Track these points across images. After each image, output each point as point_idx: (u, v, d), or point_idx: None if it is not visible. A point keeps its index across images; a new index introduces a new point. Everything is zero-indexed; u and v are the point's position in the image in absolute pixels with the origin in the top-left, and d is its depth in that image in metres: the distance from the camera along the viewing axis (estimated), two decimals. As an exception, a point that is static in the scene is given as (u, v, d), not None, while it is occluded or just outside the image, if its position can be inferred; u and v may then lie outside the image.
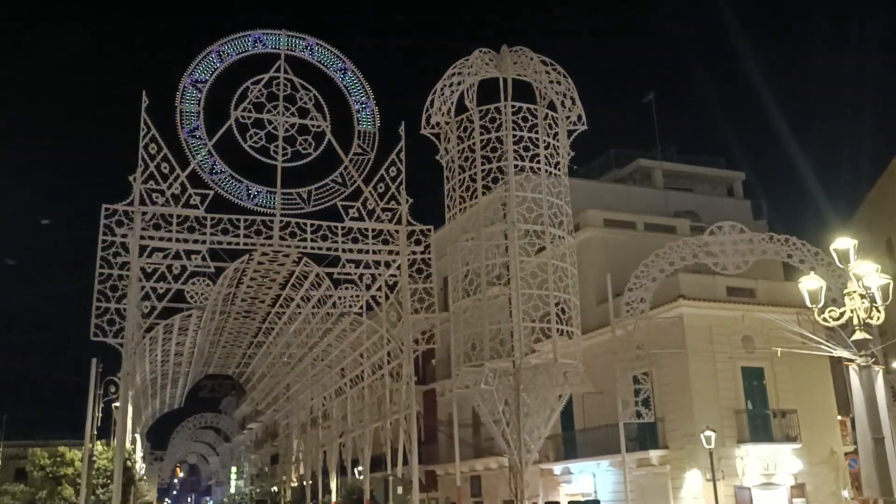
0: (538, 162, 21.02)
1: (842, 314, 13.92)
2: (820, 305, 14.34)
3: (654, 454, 28.13)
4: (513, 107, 21.18)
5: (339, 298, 26.23)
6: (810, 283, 14.51)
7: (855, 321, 13.49)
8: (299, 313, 29.68)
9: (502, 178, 20.98)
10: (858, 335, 13.44)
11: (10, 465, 50.94)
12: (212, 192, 21.57)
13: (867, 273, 13.56)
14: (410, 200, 23.72)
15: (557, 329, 20.23)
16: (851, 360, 13.88)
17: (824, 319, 14.26)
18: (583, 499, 29.64)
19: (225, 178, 21.85)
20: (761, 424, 27.93)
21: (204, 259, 21.60)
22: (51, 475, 31.61)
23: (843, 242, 14.04)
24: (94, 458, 28.58)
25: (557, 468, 32.66)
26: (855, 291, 13.59)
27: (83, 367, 23.18)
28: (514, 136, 20.97)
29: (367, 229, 23.15)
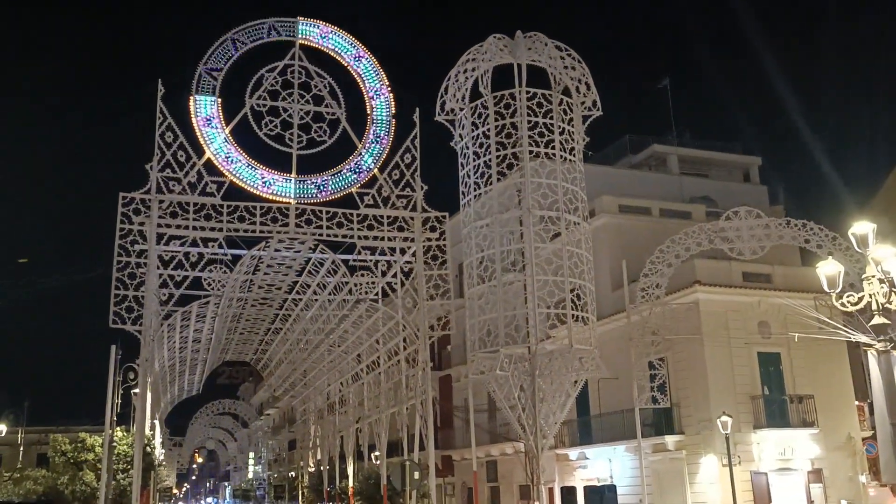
0: (553, 148, 20.96)
1: (860, 299, 13.88)
2: (838, 290, 14.30)
3: (670, 439, 28.14)
4: (527, 93, 21.10)
5: (355, 285, 26.34)
6: (828, 268, 14.46)
7: (874, 306, 13.44)
8: (316, 300, 29.82)
9: (517, 165, 20.94)
10: (877, 320, 13.39)
11: (32, 451, 51.65)
12: (228, 180, 21.69)
13: (886, 257, 13.47)
14: (425, 187, 23.75)
15: (573, 315, 20.23)
16: (870, 345, 13.83)
17: (842, 304, 14.22)
18: (599, 484, 29.70)
19: (241, 166, 21.96)
20: (778, 410, 27.86)
21: (220, 246, 21.76)
22: (72, 461, 31.99)
23: (861, 227, 13.96)
24: (114, 444, 28.92)
25: (573, 453, 32.75)
26: (874, 276, 13.52)
27: (103, 354, 23.42)
28: (529, 121, 20.90)
29: (382, 216, 23.21)
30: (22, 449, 49.49)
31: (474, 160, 21.38)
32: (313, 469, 53.21)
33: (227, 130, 22.09)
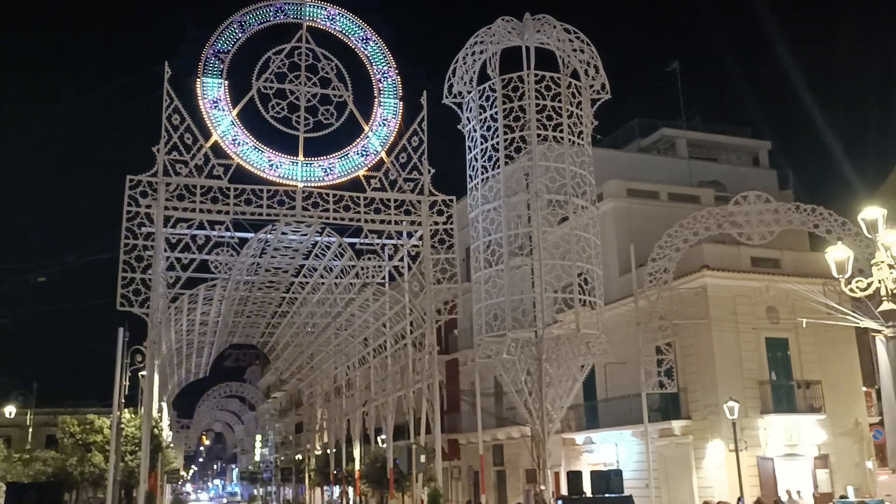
0: (561, 131, 20.86)
1: (869, 284, 13.80)
2: (847, 276, 14.22)
3: (677, 424, 28.12)
4: (536, 75, 20.99)
5: (362, 269, 26.32)
6: (837, 253, 14.38)
7: (883, 292, 13.36)
8: (322, 283, 29.82)
9: (525, 148, 20.86)
10: (886, 306, 13.32)
11: (41, 433, 52.02)
12: (235, 163, 21.65)
13: (896, 242, 13.39)
14: (432, 170, 23.67)
15: (580, 299, 20.20)
16: (878, 331, 13.77)
17: (851, 290, 14.15)
18: (605, 468, 29.73)
19: (247, 149, 21.92)
20: (785, 395, 27.81)
21: (227, 229, 21.74)
22: (80, 442, 32.19)
23: (871, 212, 13.88)
24: (123, 426, 29.05)
25: (580, 438, 32.78)
26: (883, 261, 13.44)
27: (111, 336, 23.48)
28: (537, 105, 20.80)
29: (389, 200, 23.15)
30: (31, 430, 49.81)
31: (482, 143, 21.29)
32: (320, 452, 53.44)
33: (233, 113, 22.04)
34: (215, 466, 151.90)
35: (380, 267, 26.63)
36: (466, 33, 21.79)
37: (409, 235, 24.81)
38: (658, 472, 28.22)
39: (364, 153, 23.09)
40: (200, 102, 21.74)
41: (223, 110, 21.91)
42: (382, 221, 23.15)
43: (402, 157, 23.33)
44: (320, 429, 53.30)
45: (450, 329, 40.71)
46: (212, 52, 22.17)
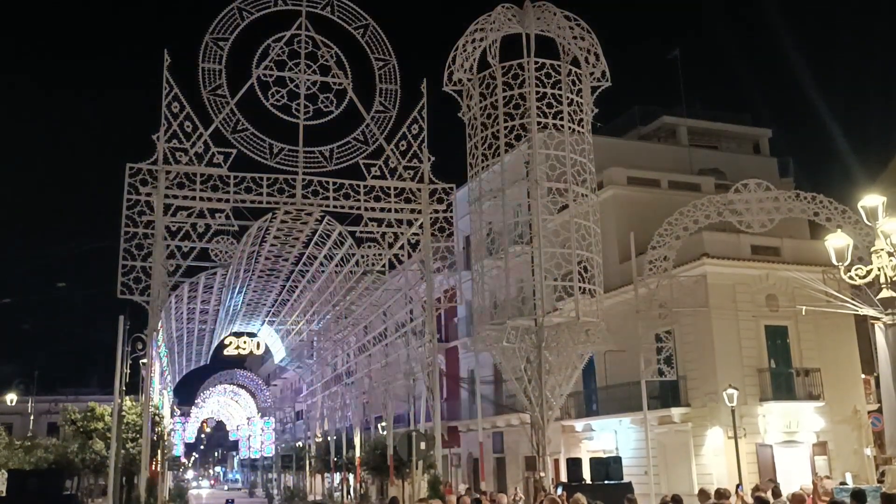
0: (561, 119, 20.82)
1: (868, 272, 13.84)
2: (846, 263, 14.25)
3: (676, 412, 28.23)
4: (536, 63, 20.93)
5: (362, 257, 26.32)
6: (837, 241, 14.41)
7: (882, 279, 13.40)
8: (322, 272, 29.84)
9: (525, 136, 20.83)
10: (885, 293, 13.36)
11: (43, 420, 52.29)
12: (235, 151, 21.61)
13: (895, 230, 13.40)
14: (432, 158, 23.62)
15: (580, 287, 20.21)
16: (878, 319, 13.81)
17: (850, 277, 14.19)
18: (604, 455, 29.85)
19: (248, 137, 21.87)
20: (784, 383, 27.91)
21: (227, 217, 21.70)
22: (82, 429, 32.28)
23: (871, 199, 13.89)
24: (124, 414, 29.14)
25: (579, 425, 32.90)
26: (883, 249, 13.46)
27: (112, 324, 23.53)
28: (537, 92, 20.75)
29: (389, 188, 23.11)
30: (32, 418, 50.03)
31: (482, 131, 21.26)
32: (320, 439, 53.61)
33: (233, 101, 21.99)
34: (216, 454, 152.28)
35: (380, 255, 26.63)
36: (467, 20, 21.71)
37: (409, 223, 24.80)
38: (657, 460, 28.33)
39: (364, 141, 23.06)
40: (200, 90, 21.69)
41: (223, 98, 21.86)
42: (382, 209, 23.12)
43: (402, 145, 23.28)
44: (320, 416, 53.45)
45: (450, 317, 40.79)
46: (211, 39, 22.09)
